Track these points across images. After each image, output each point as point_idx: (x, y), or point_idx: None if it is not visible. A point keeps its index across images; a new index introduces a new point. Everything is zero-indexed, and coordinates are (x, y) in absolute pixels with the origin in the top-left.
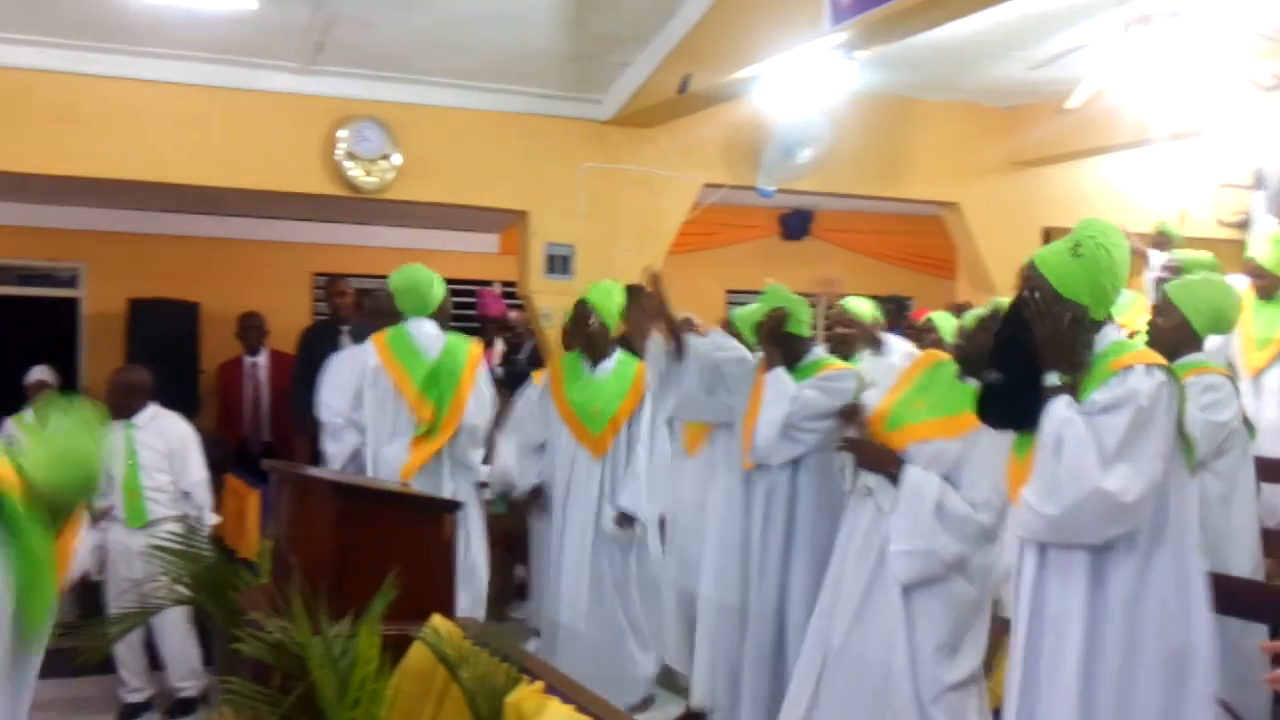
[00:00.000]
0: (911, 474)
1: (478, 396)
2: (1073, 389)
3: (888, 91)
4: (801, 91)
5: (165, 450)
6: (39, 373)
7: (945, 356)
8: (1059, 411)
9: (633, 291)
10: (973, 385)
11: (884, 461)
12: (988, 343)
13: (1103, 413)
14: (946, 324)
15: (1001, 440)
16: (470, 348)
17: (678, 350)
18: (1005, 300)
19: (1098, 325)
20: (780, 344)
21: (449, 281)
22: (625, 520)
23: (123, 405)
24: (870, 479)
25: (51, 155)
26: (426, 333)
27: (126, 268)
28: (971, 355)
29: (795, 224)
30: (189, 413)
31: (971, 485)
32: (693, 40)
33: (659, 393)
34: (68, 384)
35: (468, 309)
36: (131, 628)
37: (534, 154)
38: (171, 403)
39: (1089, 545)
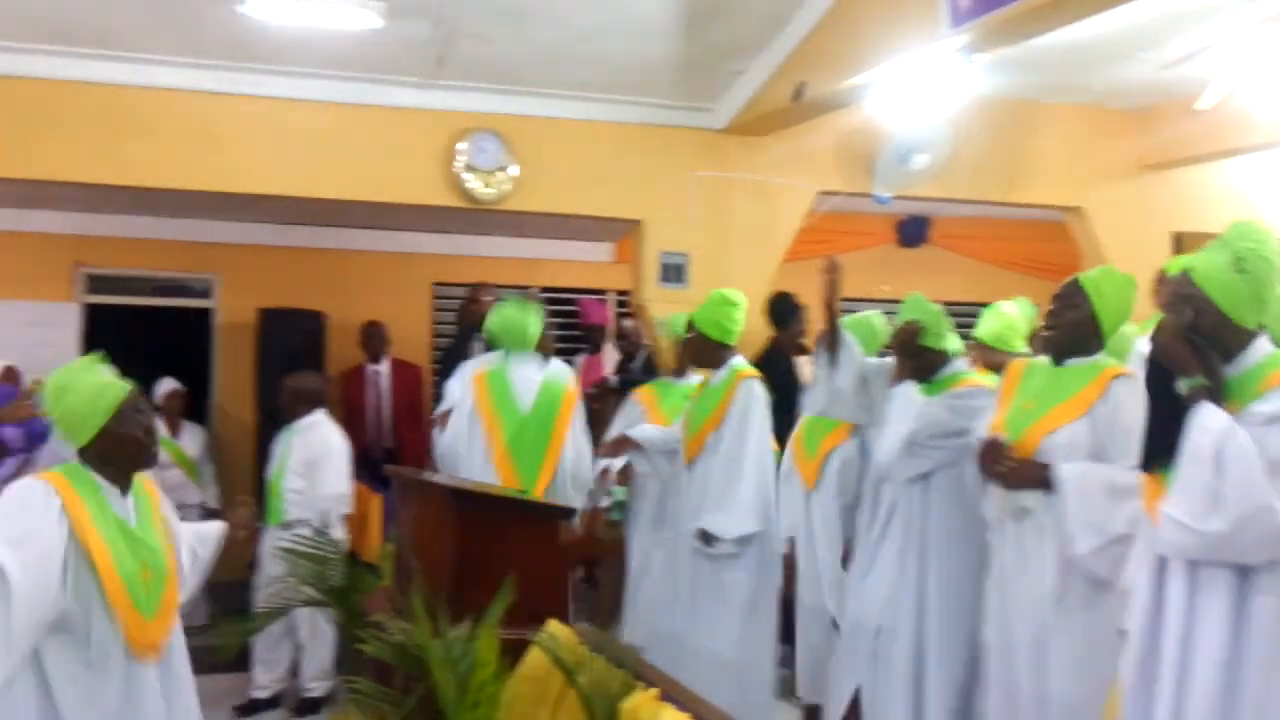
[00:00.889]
0: (1064, 470)
1: (574, 444)
2: (1210, 393)
3: (1009, 94)
4: (918, 96)
5: (308, 458)
6: (168, 384)
7: (1026, 362)
8: (1215, 422)
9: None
10: (1072, 364)
11: (1030, 475)
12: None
13: (1268, 424)
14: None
15: (1131, 401)
16: (565, 391)
17: (833, 345)
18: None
19: (1251, 335)
20: (914, 356)
21: (563, 291)
22: (707, 539)
23: (290, 409)
24: (1026, 498)
25: (188, 170)
26: (526, 376)
27: (257, 278)
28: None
29: (912, 231)
30: None
31: (1123, 453)
32: (807, 47)
33: (812, 389)
34: (201, 390)
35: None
36: (263, 625)
37: (648, 163)
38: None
39: (1238, 564)
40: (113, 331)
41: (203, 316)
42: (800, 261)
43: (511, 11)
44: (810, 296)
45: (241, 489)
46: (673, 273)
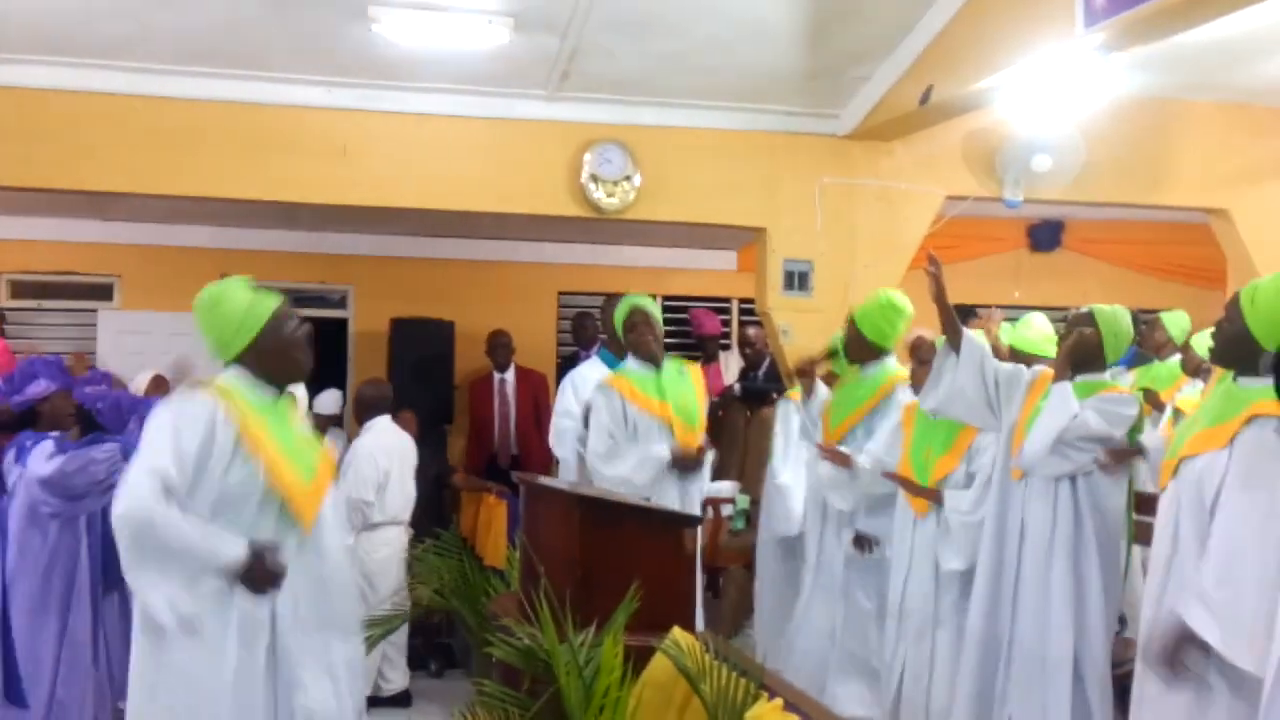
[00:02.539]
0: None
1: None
2: None
3: (1146, 93)
4: (1051, 98)
5: (343, 461)
6: (332, 396)
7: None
8: None
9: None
10: (1245, 384)
11: None
12: None
13: None
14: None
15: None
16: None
17: (955, 341)
18: None
19: None
20: (1079, 364)
21: (688, 299)
22: (862, 544)
23: (356, 415)
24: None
25: (324, 185)
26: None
27: (389, 289)
28: None
29: (1045, 235)
30: (442, 424)
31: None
32: (935, 50)
33: (926, 386)
34: None
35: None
36: (393, 629)
37: (772, 171)
38: (428, 416)
39: None
40: None
41: (338, 326)
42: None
43: (635, 23)
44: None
45: None
46: (796, 281)
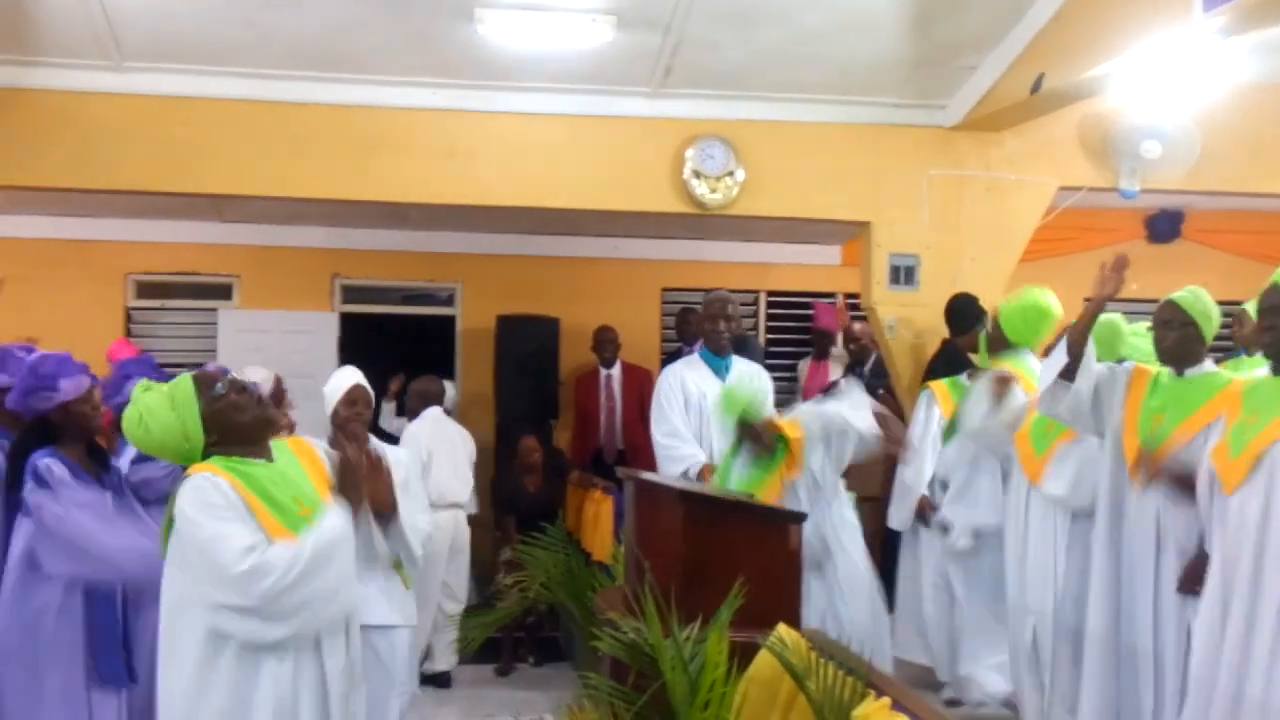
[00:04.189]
0: None
1: None
2: None
3: (1267, 79)
4: (1167, 84)
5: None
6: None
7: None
8: None
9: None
10: None
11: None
12: None
13: None
14: None
15: None
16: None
17: (1079, 348)
18: None
19: None
20: (1184, 360)
21: (790, 295)
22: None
23: (411, 406)
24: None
25: (432, 185)
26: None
27: (496, 287)
28: None
29: (1163, 226)
30: (548, 420)
31: None
32: (1045, 38)
33: (1045, 390)
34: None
35: (810, 320)
36: (505, 619)
37: (876, 164)
38: (533, 411)
39: None
40: (365, 338)
41: (446, 323)
42: (1038, 261)
43: (738, 16)
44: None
45: (483, 484)
46: (903, 275)
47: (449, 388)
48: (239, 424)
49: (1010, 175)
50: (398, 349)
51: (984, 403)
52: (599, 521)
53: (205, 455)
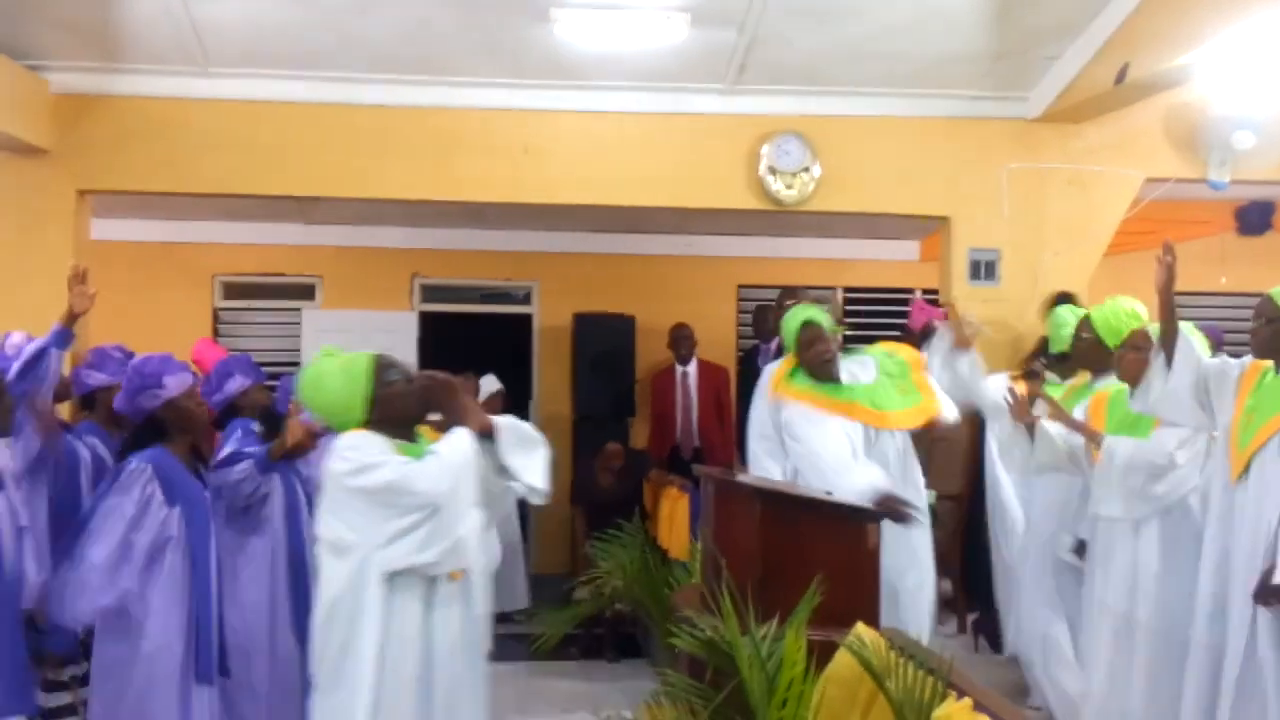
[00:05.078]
0: None
1: None
2: None
3: None
4: (1257, 72)
5: None
6: (490, 384)
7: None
8: None
9: None
10: None
11: None
12: None
13: None
14: None
15: None
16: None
17: (1170, 338)
18: None
19: None
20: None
21: (868, 290)
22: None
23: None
24: None
25: (507, 185)
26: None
27: (572, 285)
28: None
29: (1254, 217)
30: (625, 418)
31: None
32: (1131, 26)
33: (1141, 387)
34: (524, 390)
35: (888, 317)
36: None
37: (955, 158)
38: (610, 409)
39: None
40: (444, 337)
41: (524, 321)
42: (1123, 255)
43: (814, 11)
44: (1135, 293)
45: (560, 481)
46: (983, 270)
47: (489, 382)
48: (399, 411)
49: (1094, 167)
50: (476, 347)
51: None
52: (675, 519)
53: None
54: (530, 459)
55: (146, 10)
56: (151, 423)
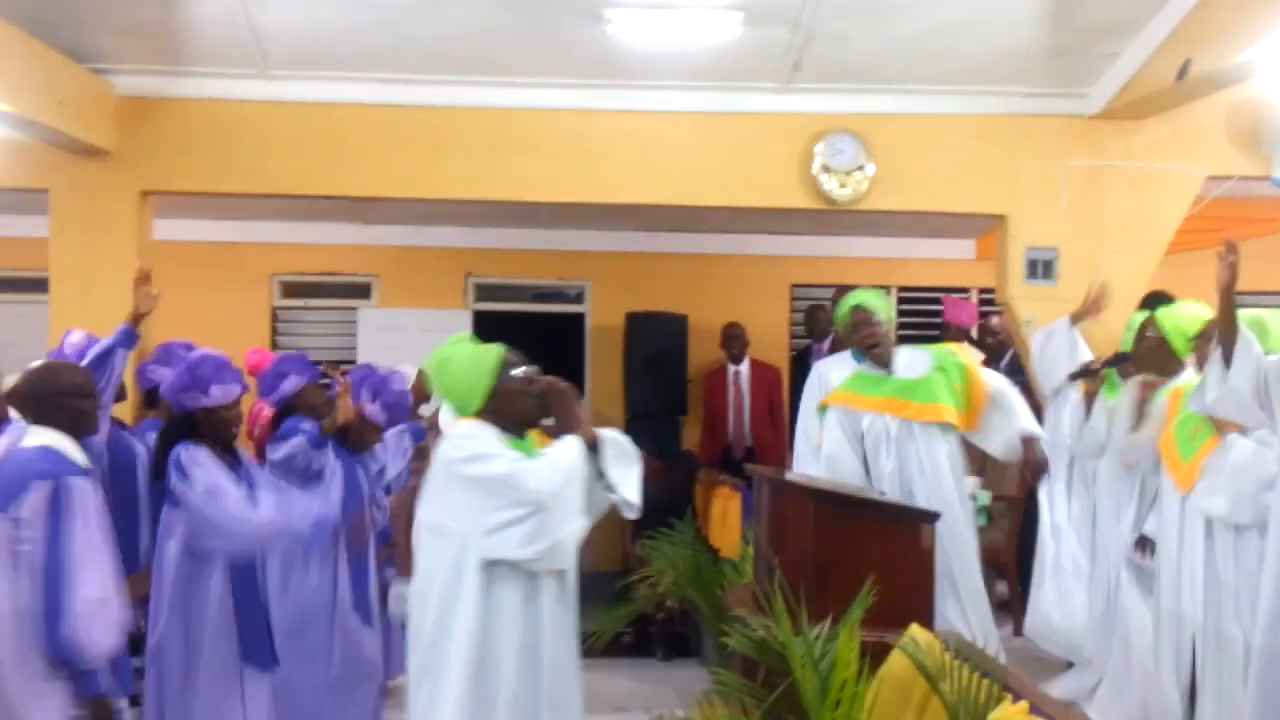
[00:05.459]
0: None
1: None
2: None
3: None
4: None
5: None
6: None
7: None
8: None
9: None
10: None
11: None
12: None
13: None
14: None
15: None
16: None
17: (1229, 337)
18: None
19: None
20: None
21: (923, 290)
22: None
23: None
24: None
25: (561, 185)
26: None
27: (624, 284)
28: None
29: None
30: (676, 416)
31: None
32: (1193, 21)
33: (1199, 386)
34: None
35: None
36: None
37: (1012, 155)
38: (662, 408)
39: None
40: (497, 336)
41: (576, 321)
42: (1184, 254)
43: (869, 9)
44: (1196, 292)
45: None
46: (1040, 269)
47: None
48: (515, 408)
49: (1155, 165)
50: (529, 346)
51: (1128, 418)
52: (727, 518)
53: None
54: (629, 473)
55: (208, 14)
56: (188, 419)
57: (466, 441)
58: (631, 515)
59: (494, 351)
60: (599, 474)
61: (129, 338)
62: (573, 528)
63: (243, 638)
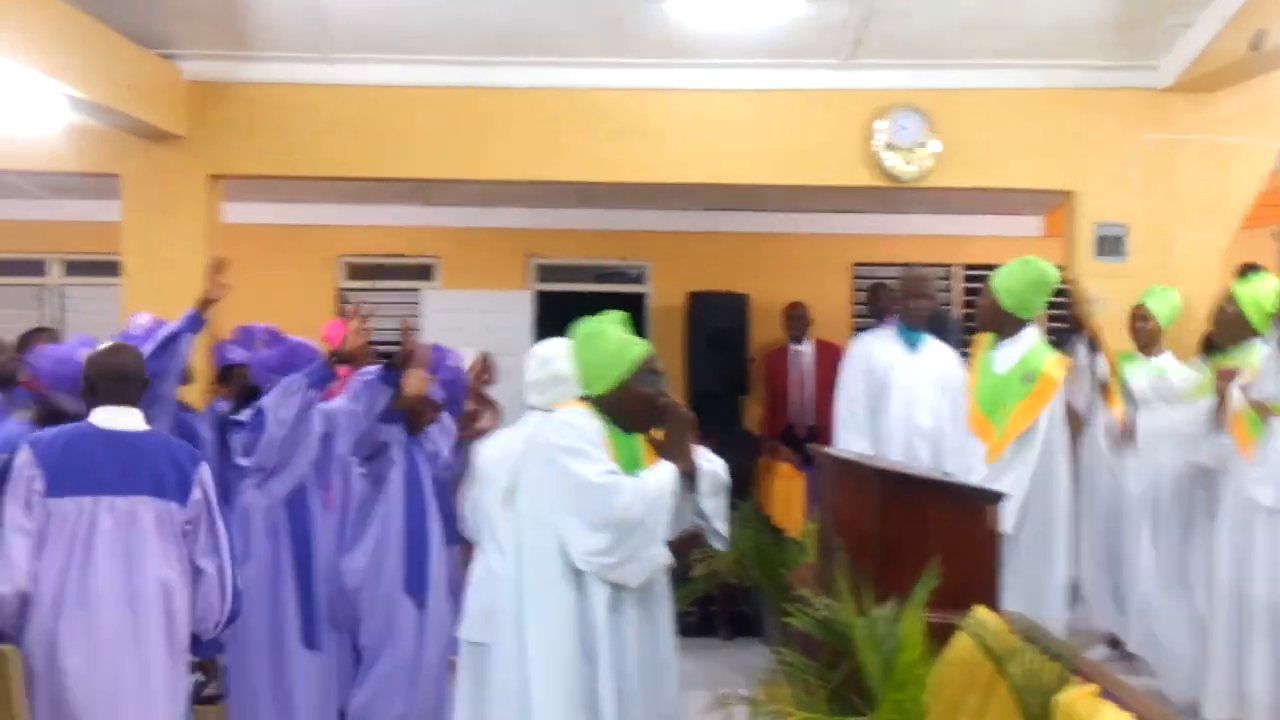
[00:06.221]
0: None
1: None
2: None
3: None
4: None
5: None
6: None
7: None
8: None
9: None
10: None
11: None
12: None
13: None
14: None
15: None
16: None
17: None
18: None
19: None
20: None
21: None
22: None
23: None
24: None
25: (620, 165)
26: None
27: (686, 264)
28: None
29: None
30: (738, 396)
31: None
32: None
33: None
34: None
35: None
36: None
37: (1080, 130)
38: (724, 388)
39: None
40: (559, 316)
41: (637, 300)
42: (1259, 229)
43: None
44: (1267, 265)
45: None
46: (1110, 245)
47: None
48: (633, 410)
49: (1228, 138)
50: None
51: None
52: (790, 498)
53: (593, 398)
54: (720, 503)
55: (276, 1)
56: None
57: (570, 431)
58: (720, 545)
59: (640, 347)
60: (693, 505)
61: (195, 323)
62: (651, 552)
63: (301, 619)
